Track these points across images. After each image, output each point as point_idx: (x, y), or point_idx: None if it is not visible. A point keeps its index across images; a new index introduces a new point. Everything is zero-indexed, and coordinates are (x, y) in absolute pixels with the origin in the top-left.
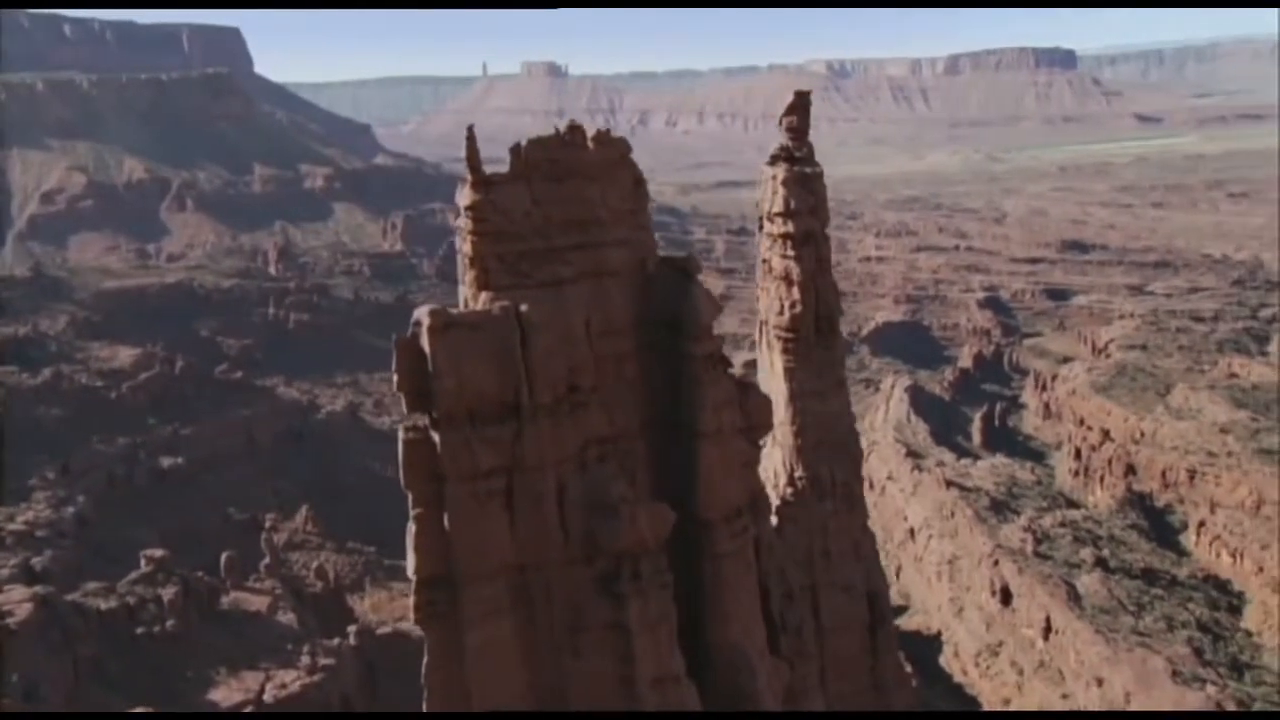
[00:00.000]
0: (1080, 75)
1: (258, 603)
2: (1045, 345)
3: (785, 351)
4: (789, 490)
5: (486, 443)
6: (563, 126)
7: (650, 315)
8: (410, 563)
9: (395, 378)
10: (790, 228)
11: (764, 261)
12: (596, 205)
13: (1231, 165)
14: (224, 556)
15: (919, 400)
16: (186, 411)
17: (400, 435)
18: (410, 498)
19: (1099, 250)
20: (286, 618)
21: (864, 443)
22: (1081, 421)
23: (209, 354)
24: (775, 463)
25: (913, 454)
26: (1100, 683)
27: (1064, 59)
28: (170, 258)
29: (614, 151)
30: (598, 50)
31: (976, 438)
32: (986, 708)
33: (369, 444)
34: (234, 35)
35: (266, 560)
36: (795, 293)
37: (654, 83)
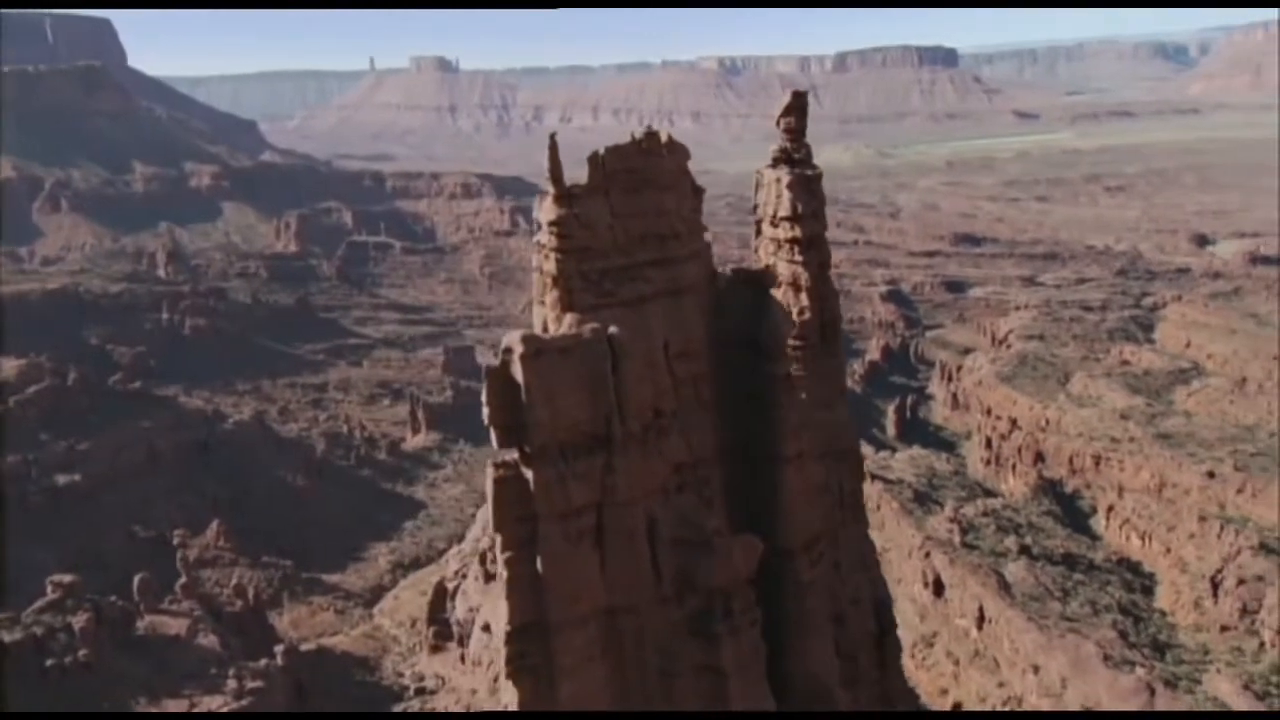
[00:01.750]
0: (961, 73)
1: (176, 626)
2: (947, 337)
3: (793, 359)
4: None
5: (578, 477)
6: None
7: (723, 333)
8: (502, 612)
9: (486, 411)
10: (797, 232)
11: (766, 267)
12: (672, 217)
13: (1105, 160)
14: (137, 579)
15: None
16: (81, 425)
17: (490, 474)
18: (499, 541)
19: (990, 243)
20: (207, 640)
21: None
22: (989, 411)
23: (100, 363)
24: None
25: None
26: (1036, 670)
27: (946, 57)
28: (46, 261)
29: (680, 159)
30: (488, 45)
31: (890, 429)
32: (925, 700)
33: (278, 454)
34: (104, 27)
35: (182, 580)
36: (804, 299)
37: (546, 78)
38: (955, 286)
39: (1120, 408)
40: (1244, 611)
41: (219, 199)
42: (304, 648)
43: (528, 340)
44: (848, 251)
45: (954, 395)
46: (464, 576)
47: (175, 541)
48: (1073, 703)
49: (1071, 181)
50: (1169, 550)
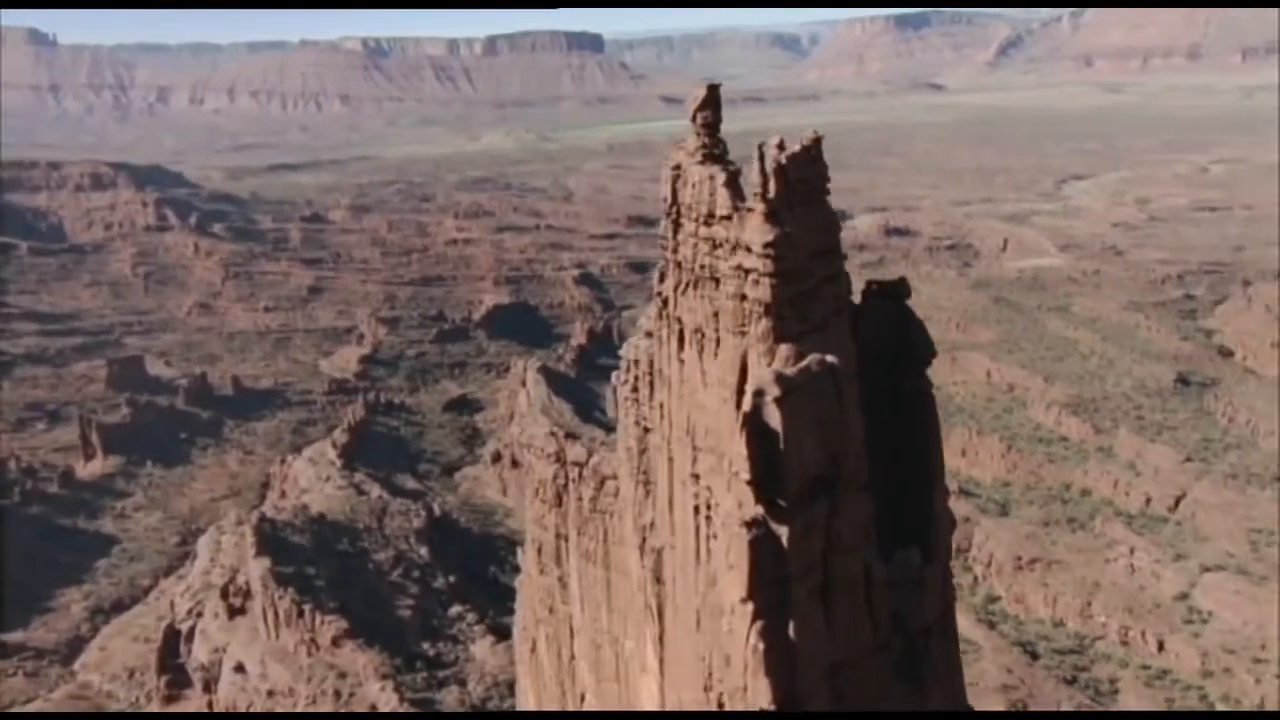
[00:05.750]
0: (608, 59)
1: None
2: (642, 316)
3: None
4: None
5: (813, 527)
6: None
7: (864, 349)
8: (763, 690)
9: (747, 465)
10: None
11: (703, 267)
12: (834, 228)
13: (750, 143)
14: None
15: (552, 381)
16: None
17: (743, 536)
18: (750, 610)
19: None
20: None
21: (517, 428)
22: None
23: None
24: (726, 480)
25: (570, 435)
26: None
27: (592, 43)
28: None
29: None
30: (92, 19)
31: (611, 411)
32: None
33: None
34: None
35: None
36: None
37: (168, 56)
38: (639, 267)
39: None
40: (957, 551)
41: None
42: None
43: (780, 380)
44: (531, 236)
45: None
46: (199, 615)
47: None
48: None
49: None
50: None
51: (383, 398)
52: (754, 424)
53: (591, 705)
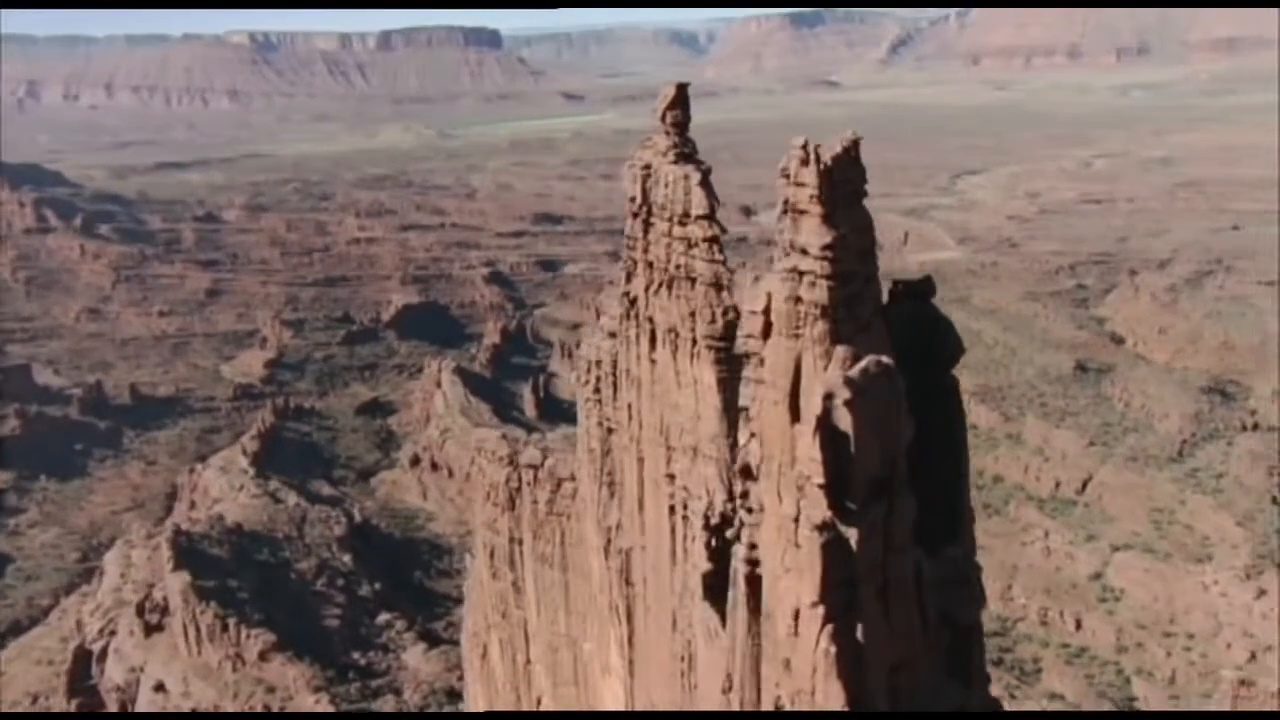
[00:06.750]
0: (507, 55)
1: None
2: (554, 314)
3: (717, 362)
4: (729, 507)
5: (875, 528)
6: None
7: (894, 348)
8: (835, 693)
9: (820, 469)
10: (715, 230)
11: (678, 267)
12: (871, 228)
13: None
14: None
15: (468, 381)
16: None
17: (815, 540)
18: (821, 613)
19: (569, 220)
20: None
21: (435, 430)
22: None
23: None
24: (704, 479)
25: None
26: None
27: (490, 38)
28: None
29: None
30: None
31: (530, 410)
32: None
33: None
34: None
35: None
36: (727, 298)
37: (36, 49)
38: (549, 265)
39: None
40: None
41: None
42: None
43: (849, 383)
44: (436, 235)
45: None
46: (112, 634)
47: None
48: None
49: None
50: None
51: (291, 402)
52: (828, 428)
53: (549, 709)
